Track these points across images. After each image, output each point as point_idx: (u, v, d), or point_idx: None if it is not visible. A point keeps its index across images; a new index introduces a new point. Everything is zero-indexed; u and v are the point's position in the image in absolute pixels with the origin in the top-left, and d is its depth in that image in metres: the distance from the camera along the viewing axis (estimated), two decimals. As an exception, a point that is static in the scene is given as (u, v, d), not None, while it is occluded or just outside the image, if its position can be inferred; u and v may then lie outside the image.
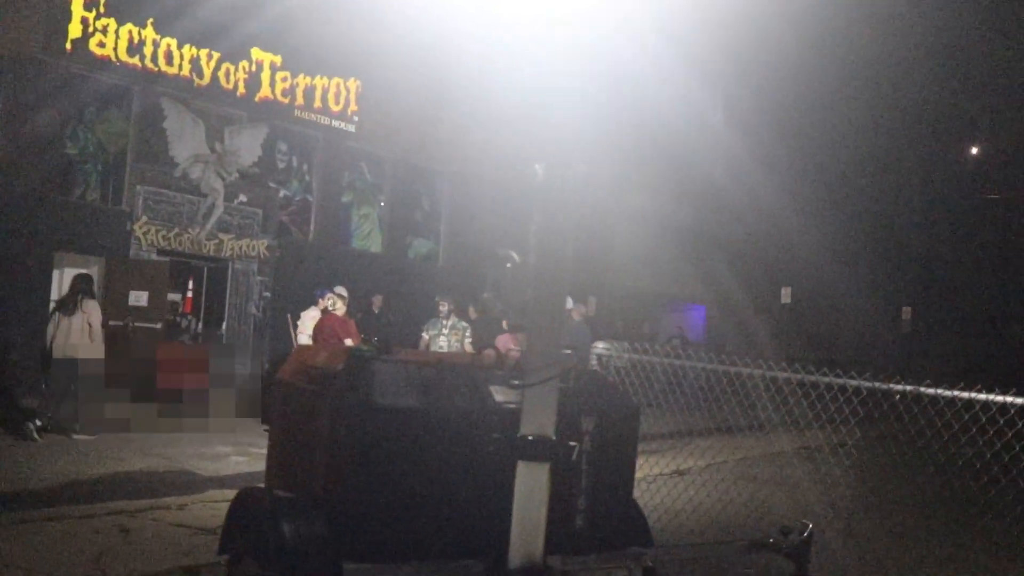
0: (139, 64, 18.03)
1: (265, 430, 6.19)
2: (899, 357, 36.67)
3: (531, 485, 4.68)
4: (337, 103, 21.45)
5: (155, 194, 18.55)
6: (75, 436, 12.49)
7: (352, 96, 21.70)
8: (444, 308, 14.94)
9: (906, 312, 41.47)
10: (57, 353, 12.78)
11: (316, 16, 19.88)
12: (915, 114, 41.25)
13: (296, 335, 15.40)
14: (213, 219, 19.52)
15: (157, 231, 18.53)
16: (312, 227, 21.77)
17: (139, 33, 17.98)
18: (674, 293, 32.80)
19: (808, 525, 5.84)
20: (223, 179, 19.72)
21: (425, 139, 23.12)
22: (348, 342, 12.83)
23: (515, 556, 4.70)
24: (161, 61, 18.34)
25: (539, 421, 4.70)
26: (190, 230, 19.08)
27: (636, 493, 7.79)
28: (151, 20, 18.09)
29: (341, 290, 14.65)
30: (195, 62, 18.86)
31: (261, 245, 20.30)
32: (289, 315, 16.96)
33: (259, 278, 20.38)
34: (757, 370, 7.61)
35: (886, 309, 40.17)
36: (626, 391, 7.74)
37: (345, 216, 22.75)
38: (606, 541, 5.53)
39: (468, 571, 5.05)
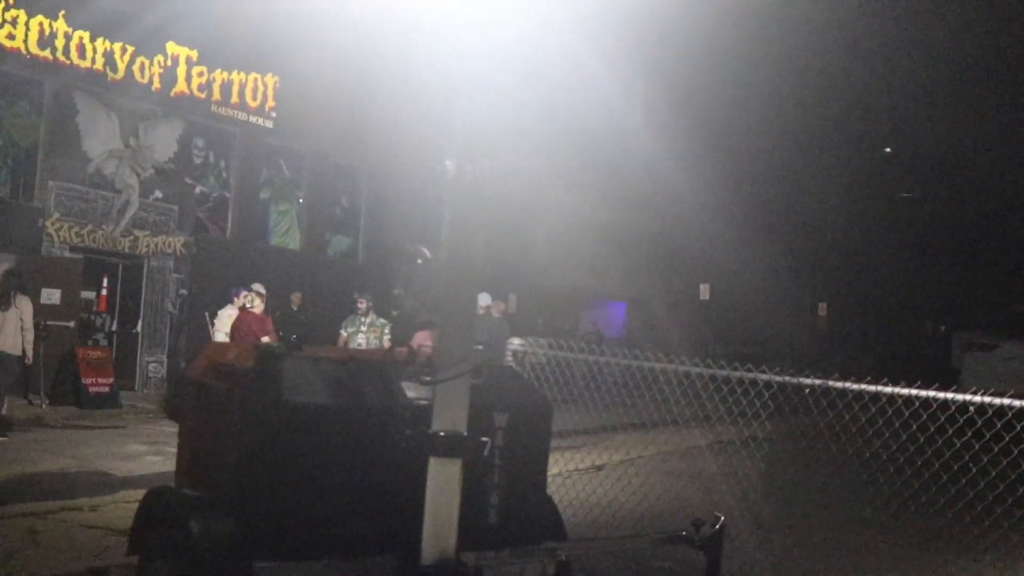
0: (50, 57, 17.67)
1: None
2: (815, 352, 37.35)
3: (443, 481, 4.68)
4: (255, 99, 21.23)
5: (68, 190, 18.18)
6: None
7: (270, 92, 21.49)
8: (363, 305, 14.87)
9: (822, 308, 42.23)
10: None
11: (233, 11, 19.61)
12: (831, 113, 41.98)
13: (213, 334, 15.23)
14: (128, 215, 19.20)
15: (70, 228, 18.16)
16: (229, 224, 21.52)
17: (50, 25, 17.62)
18: (595, 290, 33.02)
19: (720, 518, 5.90)
20: (138, 175, 19.40)
21: (344, 135, 22.98)
22: (265, 339, 12.72)
23: (428, 552, 4.69)
24: (73, 54, 17.98)
25: (451, 417, 4.70)
26: (104, 227, 18.74)
27: (554, 488, 7.84)
28: (63, 12, 17.73)
29: (259, 287, 14.53)
30: (109, 55, 18.53)
31: (177, 242, 20.02)
32: (206, 313, 16.77)
33: (175, 275, 20.09)
34: (671, 365, 7.70)
35: (803, 305, 40.86)
36: (539, 387, 7.77)
37: (263, 213, 22.54)
38: (520, 536, 5.53)
39: (381, 568, 5.03)
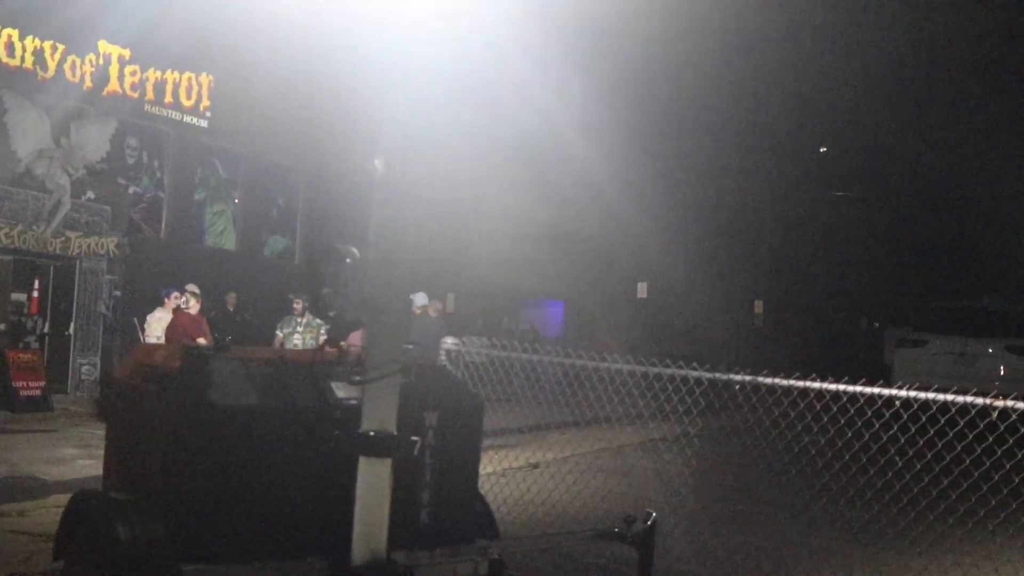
0: (-23, 55, 17.36)
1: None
2: (752, 349, 37.80)
3: (373, 481, 4.69)
4: (189, 98, 20.99)
5: (-4, 190, 17.87)
6: None
7: (204, 91, 21.26)
8: (299, 306, 14.75)
9: (758, 306, 42.69)
10: None
11: (167, 9, 19.34)
12: (767, 112, 42.46)
13: (144, 338, 15.04)
14: (59, 216, 18.89)
15: (0, 229, 17.86)
16: (164, 224, 21.26)
17: (-23, 23, 17.32)
18: (534, 289, 33.10)
19: (651, 514, 5.96)
20: (69, 175, 19.09)
21: (280, 135, 22.80)
22: (201, 341, 12.61)
23: (359, 553, 4.70)
24: (1, 52, 17.64)
25: (380, 416, 4.71)
26: (35, 227, 18.41)
27: (490, 487, 7.86)
28: (-10, 10, 17.44)
29: (193, 288, 14.38)
30: (38, 53, 18.21)
31: (111, 243, 19.73)
32: (135, 319, 16.56)
33: (109, 277, 19.79)
34: (603, 363, 7.75)
35: (739, 303, 41.28)
36: (471, 386, 7.79)
37: (198, 213, 22.30)
38: (452, 535, 5.56)
39: (312, 569, 5.02)
